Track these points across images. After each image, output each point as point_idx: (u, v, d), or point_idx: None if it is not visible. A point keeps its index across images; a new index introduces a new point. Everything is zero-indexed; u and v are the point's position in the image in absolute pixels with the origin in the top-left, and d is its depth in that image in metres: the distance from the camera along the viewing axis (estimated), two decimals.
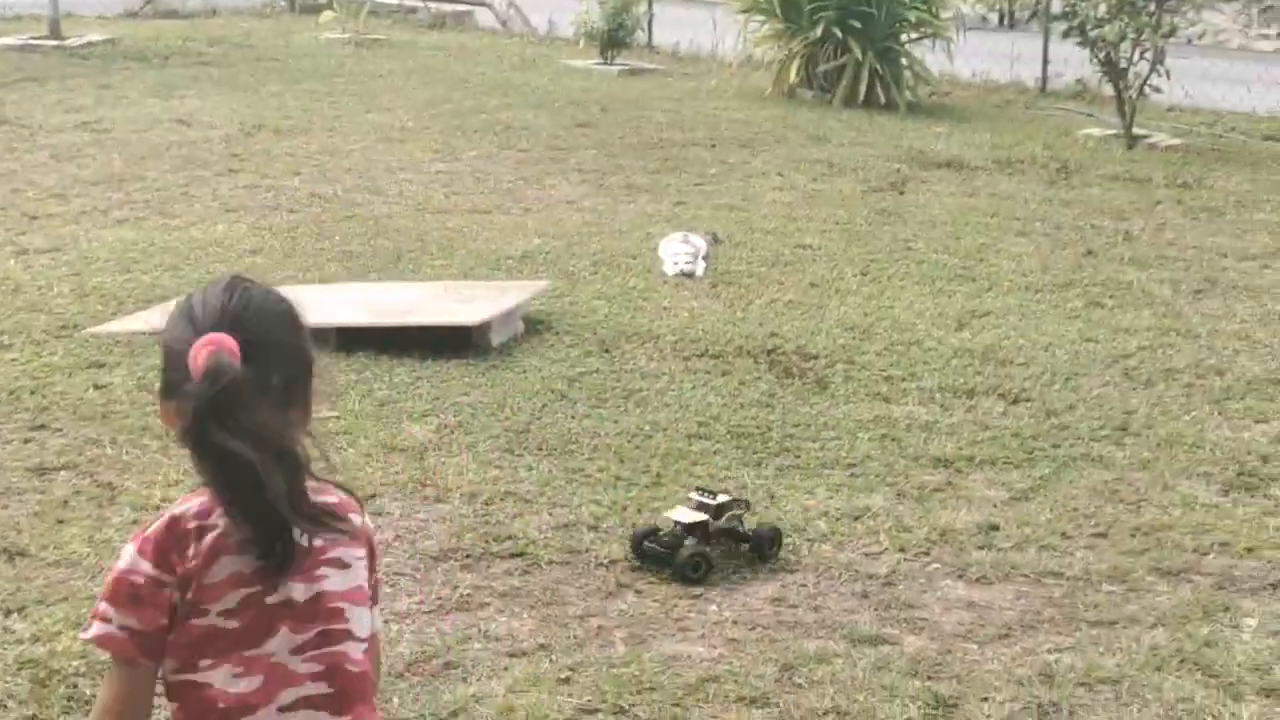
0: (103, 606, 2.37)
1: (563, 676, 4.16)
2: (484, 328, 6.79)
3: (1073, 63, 14.24)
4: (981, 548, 5.02)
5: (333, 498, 2.44)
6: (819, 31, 13.93)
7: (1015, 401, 6.38)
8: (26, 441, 5.64)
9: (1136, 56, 12.49)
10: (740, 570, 4.84)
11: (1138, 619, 4.59)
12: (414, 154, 11.04)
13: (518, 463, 5.61)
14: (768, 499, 5.34)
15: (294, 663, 2.39)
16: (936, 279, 8.18)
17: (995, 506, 5.34)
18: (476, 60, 15.95)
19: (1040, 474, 5.63)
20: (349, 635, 2.43)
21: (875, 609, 4.61)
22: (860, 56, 13.84)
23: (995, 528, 5.17)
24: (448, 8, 19.89)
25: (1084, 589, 4.77)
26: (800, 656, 4.29)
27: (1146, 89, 12.55)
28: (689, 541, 4.81)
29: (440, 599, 4.60)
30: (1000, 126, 13.07)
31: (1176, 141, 12.54)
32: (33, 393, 6.11)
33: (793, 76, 14.28)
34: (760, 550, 4.92)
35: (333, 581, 2.42)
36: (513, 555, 4.90)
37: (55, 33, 15.99)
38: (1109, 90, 13.04)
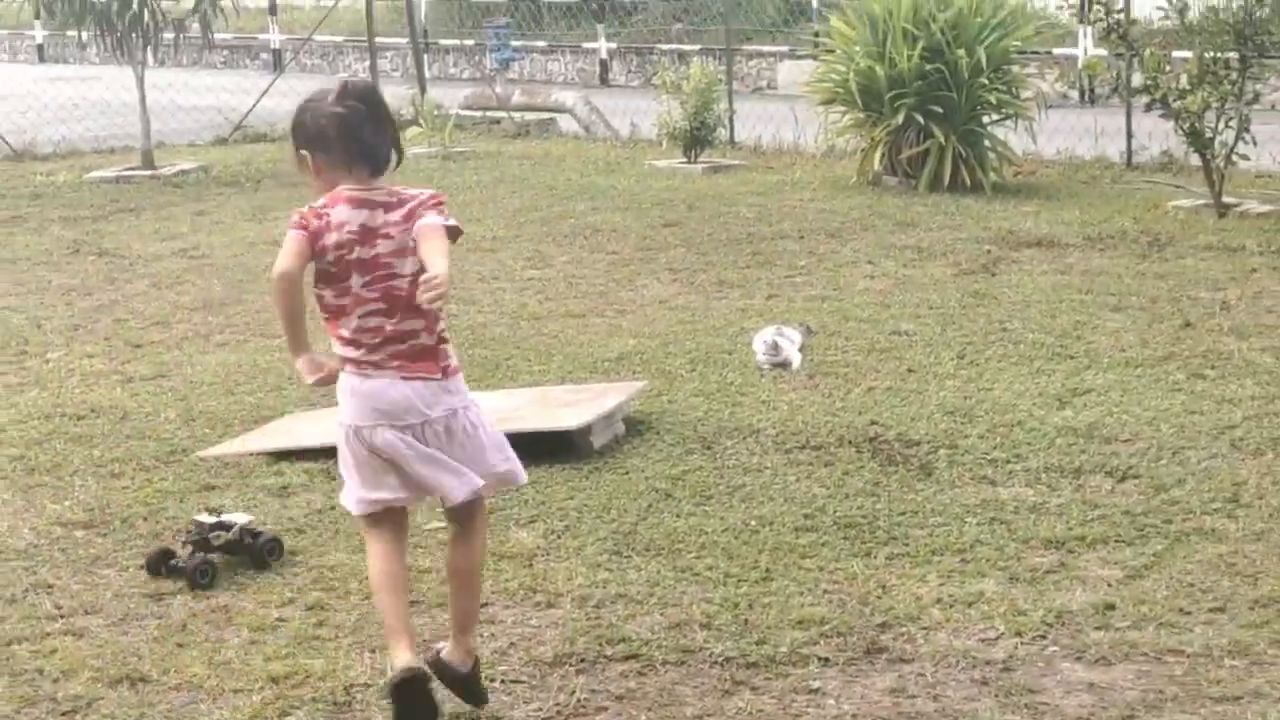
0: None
1: None
2: (585, 431, 6.83)
3: (1157, 135, 14.21)
4: (1099, 628, 4.98)
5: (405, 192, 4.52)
6: (900, 118, 13.97)
7: (1123, 478, 6.33)
8: (142, 568, 5.72)
9: (1221, 125, 12.45)
10: (857, 663, 4.82)
11: (1262, 693, 4.53)
12: (506, 262, 11.15)
13: (626, 564, 5.63)
14: (879, 589, 5.32)
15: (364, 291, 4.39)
16: (1034, 358, 8.15)
17: (1110, 585, 5.30)
18: (561, 166, 16.11)
19: (1153, 550, 5.58)
20: (395, 275, 4.37)
21: (995, 695, 4.58)
22: (943, 141, 13.86)
23: (1111, 607, 5.12)
24: (531, 116, 20.12)
25: (1206, 665, 4.72)
26: None
27: (1234, 157, 12.49)
28: (197, 555, 5.57)
29: (558, 705, 4.61)
30: (1088, 203, 13.04)
31: (1268, 208, 12.45)
32: (146, 519, 6.21)
33: (876, 164, 14.32)
34: (259, 559, 5.62)
35: (381, 247, 4.37)
36: (627, 658, 4.91)
37: (148, 163, 16.30)
38: (1196, 161, 12.98)
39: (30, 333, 9.46)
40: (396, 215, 4.42)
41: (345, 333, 4.43)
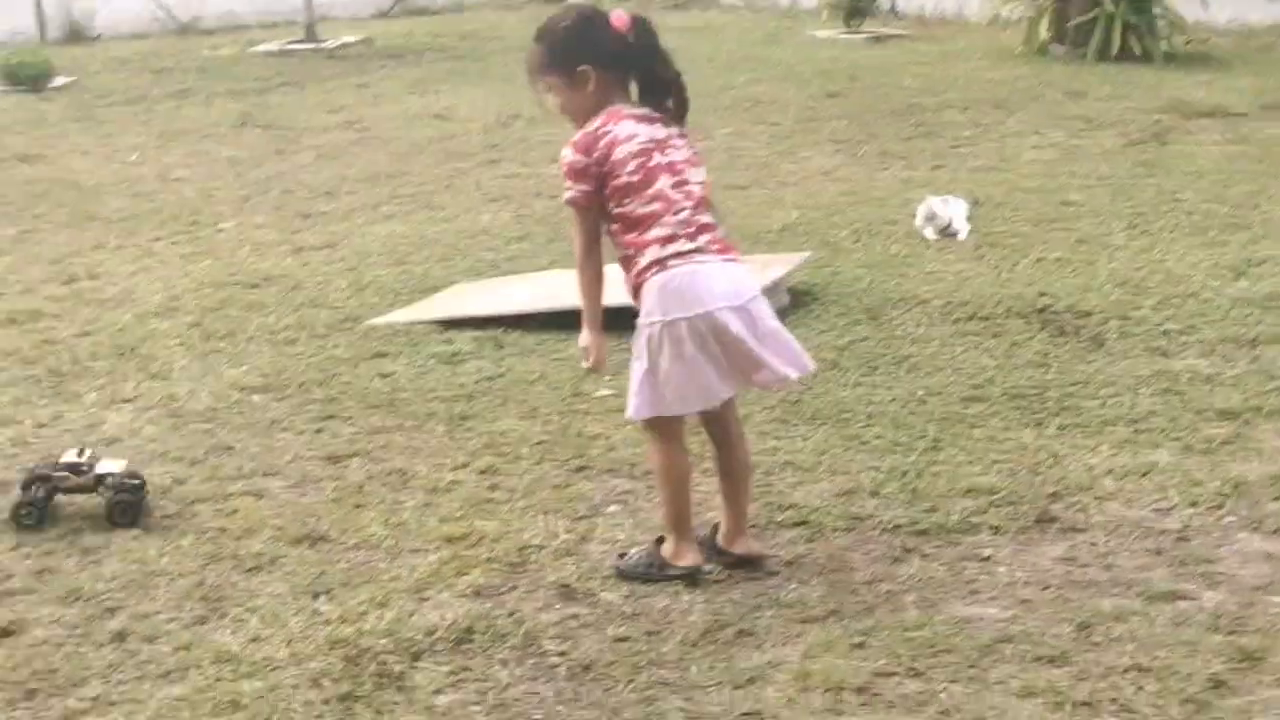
0: (566, 183, 4.50)
1: (856, 642, 4.17)
2: None
3: None
4: (1277, 499, 4.91)
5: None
6: None
7: None
8: (319, 431, 5.83)
9: None
10: (1028, 532, 4.80)
11: None
12: None
13: (794, 433, 5.64)
14: (1050, 459, 5.28)
15: (672, 192, 4.43)
16: (1208, 229, 8.00)
17: None
18: (721, 37, 16.00)
19: None
20: (690, 181, 4.46)
21: (1169, 565, 4.54)
22: (1113, 8, 13.57)
23: None
24: None
25: None
26: (1096, 615, 4.24)
27: None
28: (30, 490, 5.03)
29: (729, 569, 4.64)
30: (1263, 70, 12.72)
31: None
32: (320, 384, 6.32)
33: (1043, 33, 14.07)
34: (110, 515, 4.99)
35: (674, 155, 4.46)
36: (796, 524, 4.92)
37: (311, 36, 16.44)
38: None
39: (201, 204, 9.63)
40: (674, 130, 4.52)
41: (664, 232, 4.43)
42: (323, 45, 16.22)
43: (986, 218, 8.39)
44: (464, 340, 6.72)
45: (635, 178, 4.44)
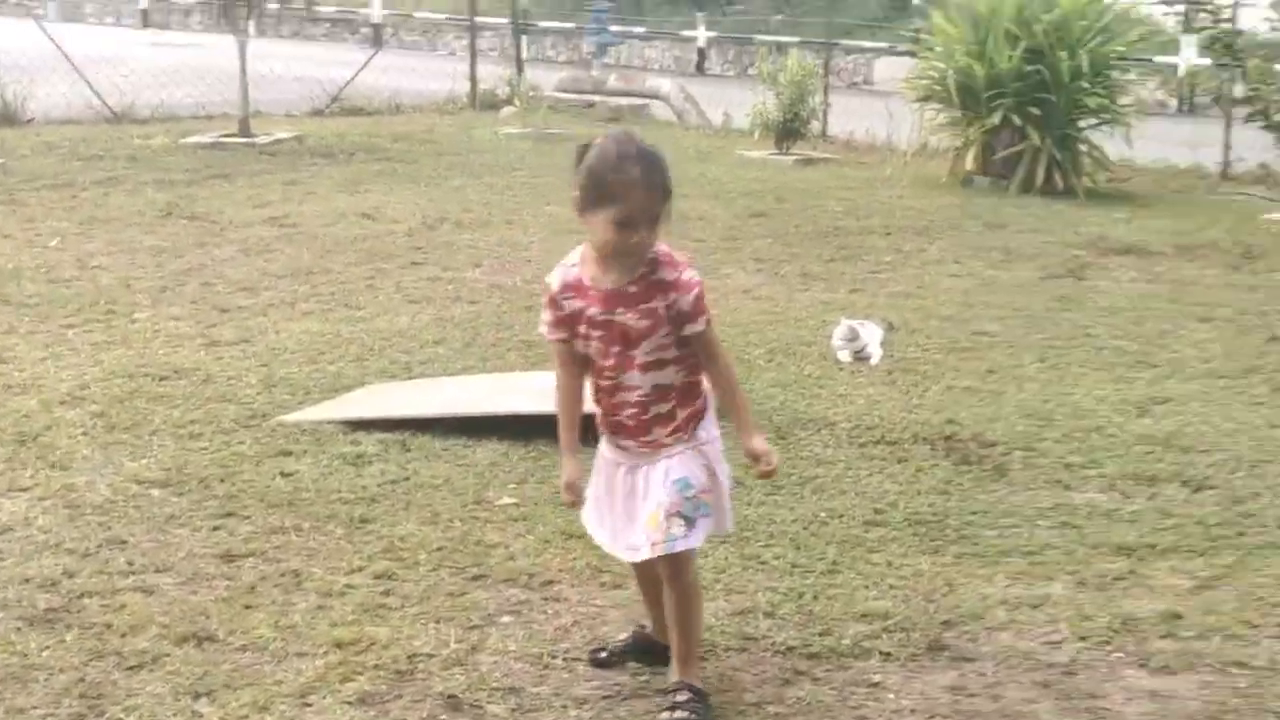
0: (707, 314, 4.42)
1: None
2: None
3: (1255, 147, 14.06)
4: (1165, 637, 4.94)
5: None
6: (997, 119, 13.91)
7: (1199, 489, 6.28)
8: (215, 529, 5.78)
9: None
10: (918, 659, 4.81)
11: None
12: None
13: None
14: (946, 587, 5.30)
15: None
16: (1117, 365, 8.10)
17: (1179, 595, 5.26)
18: None
19: (1225, 562, 5.53)
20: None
21: (1056, 698, 4.55)
22: (1039, 143, 13.78)
23: (1179, 617, 5.08)
24: (625, 101, 20.16)
25: (1271, 679, 4.68)
26: None
27: None
28: None
29: (618, 685, 4.62)
30: (1181, 212, 12.93)
31: None
32: (222, 481, 6.27)
33: (969, 164, 14.27)
34: None
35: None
36: None
37: (244, 130, 16.45)
38: None
39: (119, 292, 9.57)
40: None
41: None
42: (255, 140, 16.25)
43: (901, 343, 8.46)
44: (370, 442, 6.70)
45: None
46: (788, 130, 15.86)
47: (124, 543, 5.61)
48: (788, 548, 5.64)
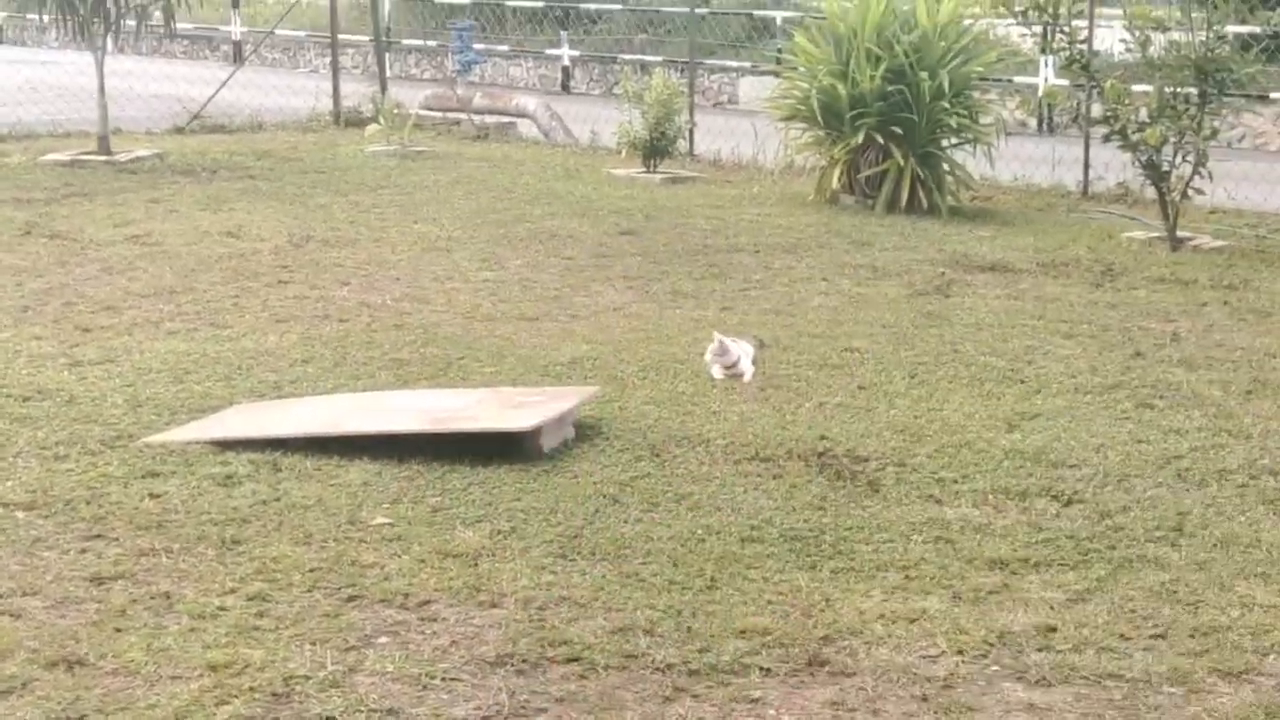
0: None
1: None
2: (535, 434, 6.81)
3: (1114, 166, 14.29)
4: (1040, 649, 4.99)
5: None
6: (860, 138, 14.01)
7: (1068, 503, 6.36)
8: (83, 551, 5.67)
9: (1178, 159, 12.53)
10: (798, 674, 4.82)
11: None
12: (460, 263, 11.12)
13: (571, 567, 5.61)
14: (823, 602, 5.32)
15: None
16: (985, 381, 8.18)
17: (1052, 608, 5.32)
18: (520, 170, 16.09)
19: (1096, 575, 5.60)
20: None
21: (934, 712, 4.58)
22: (902, 162, 13.91)
23: (1053, 629, 5.14)
24: (491, 119, 20.11)
25: (1145, 691, 4.74)
26: None
27: (1189, 191, 12.58)
28: None
29: (498, 705, 4.59)
30: (1043, 230, 13.11)
31: (1220, 243, 12.56)
32: (89, 503, 6.15)
33: (834, 183, 14.36)
34: None
35: None
36: (568, 660, 4.89)
37: (104, 148, 16.20)
38: (1152, 194, 13.04)
39: None
40: None
41: None
42: (115, 158, 16.00)
43: (772, 360, 8.49)
44: (241, 462, 6.60)
45: None
46: (655, 149, 15.88)
47: None
48: (665, 565, 5.64)
